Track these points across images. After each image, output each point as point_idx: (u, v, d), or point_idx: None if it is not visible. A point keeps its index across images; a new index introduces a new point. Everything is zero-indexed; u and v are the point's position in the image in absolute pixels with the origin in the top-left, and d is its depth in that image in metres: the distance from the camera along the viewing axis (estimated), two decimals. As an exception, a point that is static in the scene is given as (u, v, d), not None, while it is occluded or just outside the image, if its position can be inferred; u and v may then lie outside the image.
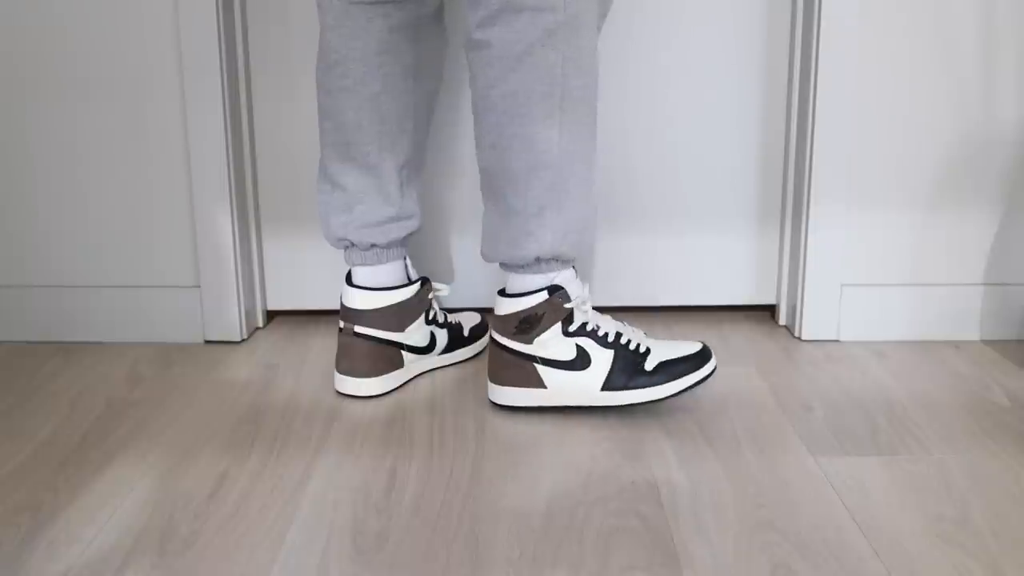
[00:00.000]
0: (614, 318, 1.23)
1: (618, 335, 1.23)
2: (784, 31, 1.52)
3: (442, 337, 1.39)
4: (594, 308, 1.65)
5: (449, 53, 1.50)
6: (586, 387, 1.22)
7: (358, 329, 1.30)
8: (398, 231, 1.32)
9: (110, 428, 1.24)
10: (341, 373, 1.32)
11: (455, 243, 1.60)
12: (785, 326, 1.60)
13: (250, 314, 1.58)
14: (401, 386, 1.36)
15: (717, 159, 1.56)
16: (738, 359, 1.45)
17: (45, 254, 1.54)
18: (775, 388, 1.34)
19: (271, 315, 1.67)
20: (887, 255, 1.52)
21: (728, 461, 1.13)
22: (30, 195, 1.52)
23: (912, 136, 1.48)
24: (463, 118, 1.54)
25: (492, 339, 1.26)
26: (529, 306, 1.21)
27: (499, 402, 1.27)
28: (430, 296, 1.37)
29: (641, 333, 1.25)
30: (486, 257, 1.24)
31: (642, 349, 1.22)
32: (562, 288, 1.21)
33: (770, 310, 1.67)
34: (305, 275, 1.61)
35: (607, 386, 1.22)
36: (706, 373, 1.23)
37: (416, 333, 1.35)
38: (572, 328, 1.22)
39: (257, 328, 1.61)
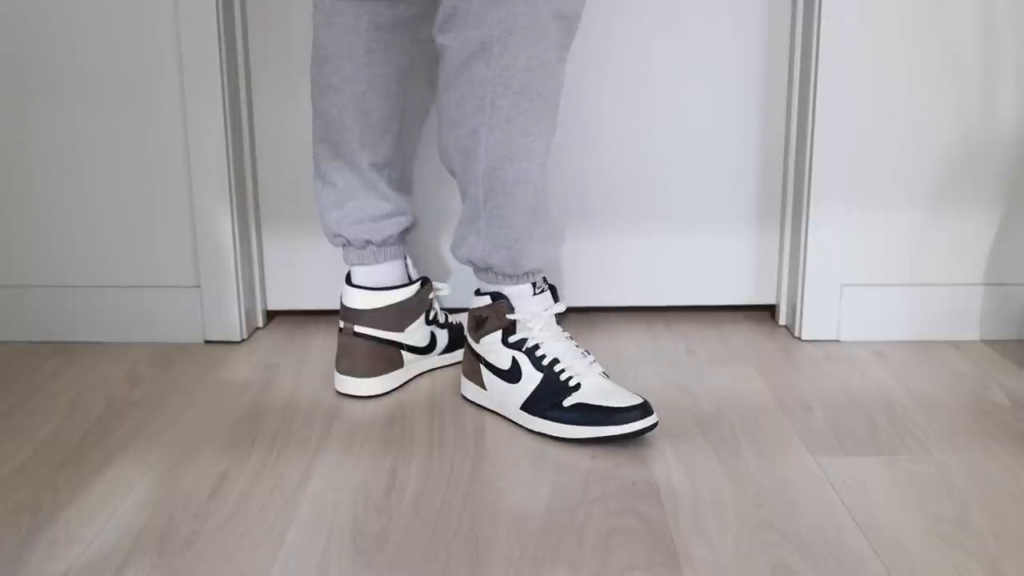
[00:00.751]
0: (582, 348, 1.21)
1: (554, 361, 1.21)
2: (784, 31, 1.52)
3: (442, 337, 1.39)
4: (593, 308, 1.65)
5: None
6: (510, 400, 1.23)
7: (358, 329, 1.30)
8: (392, 227, 1.32)
9: (110, 428, 1.24)
10: (341, 373, 1.32)
11: (455, 243, 1.60)
12: (785, 326, 1.60)
13: (250, 314, 1.58)
14: (401, 386, 1.36)
15: (717, 159, 1.56)
16: (738, 359, 1.45)
17: (45, 254, 1.54)
18: (775, 388, 1.34)
19: (271, 315, 1.67)
20: (887, 255, 1.52)
21: (728, 461, 1.13)
22: (30, 195, 1.52)
23: (912, 136, 1.48)
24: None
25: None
26: (477, 306, 1.25)
27: (461, 391, 1.32)
28: (431, 296, 1.37)
29: (595, 368, 1.22)
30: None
31: (572, 383, 1.19)
32: (505, 297, 1.22)
33: (770, 310, 1.67)
34: (305, 275, 1.61)
35: (525, 406, 1.21)
36: (619, 432, 1.15)
37: (416, 333, 1.35)
38: (511, 340, 1.23)
39: (257, 328, 1.61)
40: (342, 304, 1.32)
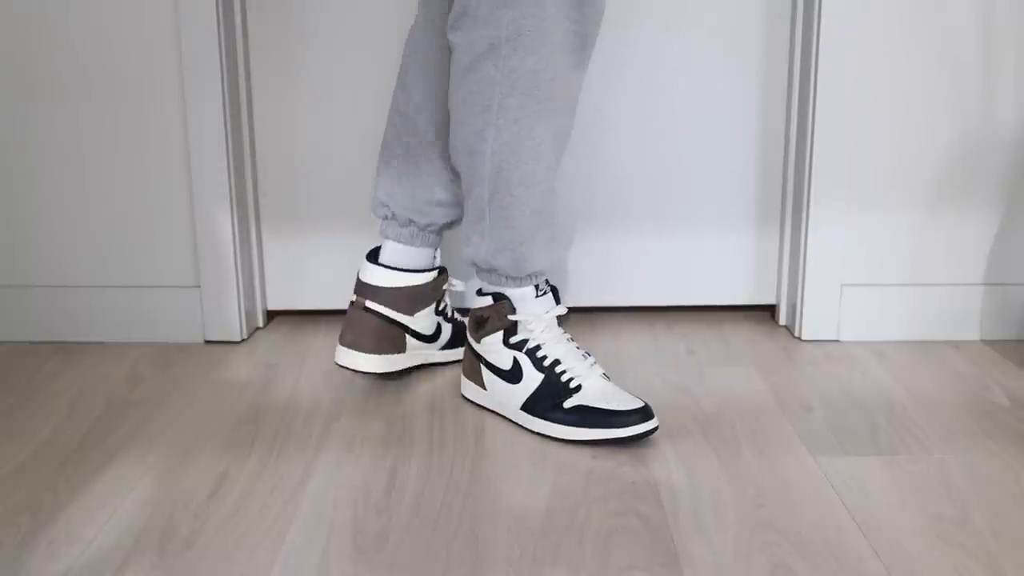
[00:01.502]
0: (583, 349, 1.21)
1: (555, 363, 1.21)
2: (784, 31, 1.52)
3: (447, 331, 1.39)
4: (595, 308, 1.65)
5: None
6: (510, 400, 1.23)
7: (369, 304, 1.30)
8: (440, 216, 1.32)
9: (110, 428, 1.24)
10: (343, 345, 1.31)
11: (455, 243, 1.60)
12: (785, 326, 1.60)
13: (250, 314, 1.58)
14: (397, 375, 1.35)
15: (717, 159, 1.56)
16: (738, 359, 1.45)
17: (46, 254, 1.54)
18: (775, 388, 1.34)
19: (271, 315, 1.67)
20: (887, 255, 1.52)
21: (728, 461, 1.13)
22: (30, 195, 1.52)
23: (912, 136, 1.48)
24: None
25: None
26: (479, 306, 1.25)
27: (461, 391, 1.32)
28: (444, 287, 1.37)
29: (596, 370, 1.22)
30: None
31: (573, 384, 1.19)
32: (507, 298, 1.22)
33: (770, 310, 1.67)
34: (305, 275, 1.61)
35: (526, 407, 1.22)
36: (619, 435, 1.15)
37: (424, 320, 1.35)
38: (513, 340, 1.23)
39: (257, 328, 1.61)
40: (358, 279, 1.32)
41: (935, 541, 0.96)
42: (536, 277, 1.23)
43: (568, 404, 1.18)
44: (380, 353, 1.31)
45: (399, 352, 1.33)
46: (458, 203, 1.33)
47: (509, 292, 1.23)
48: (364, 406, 1.30)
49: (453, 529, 1.00)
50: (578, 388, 1.19)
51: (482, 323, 1.25)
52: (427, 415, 1.27)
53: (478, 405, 1.29)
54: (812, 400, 1.30)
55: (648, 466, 1.12)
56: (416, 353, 1.36)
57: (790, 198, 1.55)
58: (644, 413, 1.15)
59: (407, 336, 1.33)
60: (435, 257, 1.37)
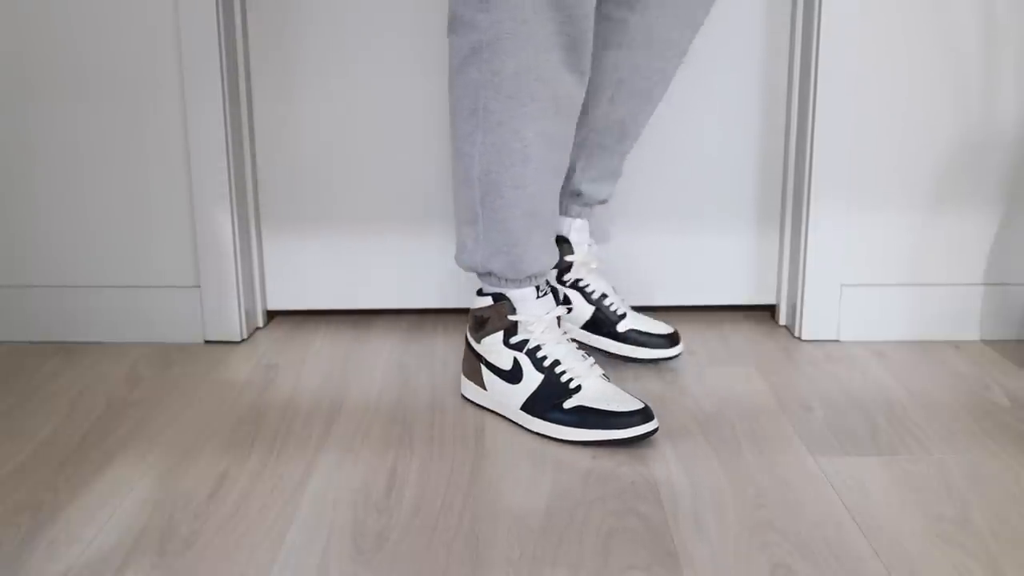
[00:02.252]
0: (585, 351, 1.22)
1: (555, 363, 1.21)
2: (784, 31, 1.52)
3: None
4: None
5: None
6: (510, 400, 1.23)
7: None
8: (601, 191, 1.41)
9: (110, 428, 1.24)
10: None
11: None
12: (785, 326, 1.60)
13: (250, 314, 1.58)
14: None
15: (717, 159, 1.56)
16: (738, 359, 1.45)
17: (45, 254, 1.54)
18: (775, 388, 1.34)
19: (271, 315, 1.67)
20: (887, 255, 1.52)
21: (728, 461, 1.13)
22: (30, 195, 1.52)
23: (912, 136, 1.48)
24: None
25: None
26: (479, 307, 1.25)
27: (461, 391, 1.32)
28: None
29: (595, 371, 1.22)
30: None
31: (573, 385, 1.20)
32: (507, 298, 1.22)
33: (770, 310, 1.67)
34: (305, 275, 1.61)
35: (526, 407, 1.22)
36: (618, 436, 1.15)
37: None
38: (513, 341, 1.23)
39: (257, 328, 1.61)
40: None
41: (935, 541, 0.96)
42: (536, 279, 1.23)
43: (568, 405, 1.18)
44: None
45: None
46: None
47: (509, 293, 1.23)
48: (364, 406, 1.30)
49: (453, 529, 1.00)
50: (578, 389, 1.19)
51: (482, 323, 1.25)
52: (427, 415, 1.27)
53: (478, 405, 1.29)
54: (812, 400, 1.30)
55: (648, 466, 1.12)
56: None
57: (790, 198, 1.55)
58: (644, 414, 1.15)
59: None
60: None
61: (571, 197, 1.40)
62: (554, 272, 1.42)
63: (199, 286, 1.54)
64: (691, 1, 1.27)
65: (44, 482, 1.10)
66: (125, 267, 1.54)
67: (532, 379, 1.21)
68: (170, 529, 1.00)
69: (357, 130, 1.55)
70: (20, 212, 1.53)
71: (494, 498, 1.06)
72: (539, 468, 1.12)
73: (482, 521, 1.01)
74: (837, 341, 1.53)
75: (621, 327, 1.40)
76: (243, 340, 1.55)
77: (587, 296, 1.41)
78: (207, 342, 1.55)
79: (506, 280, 1.23)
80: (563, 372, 1.20)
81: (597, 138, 1.36)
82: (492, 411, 1.27)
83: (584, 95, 1.17)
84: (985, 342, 1.52)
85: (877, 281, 1.53)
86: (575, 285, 1.42)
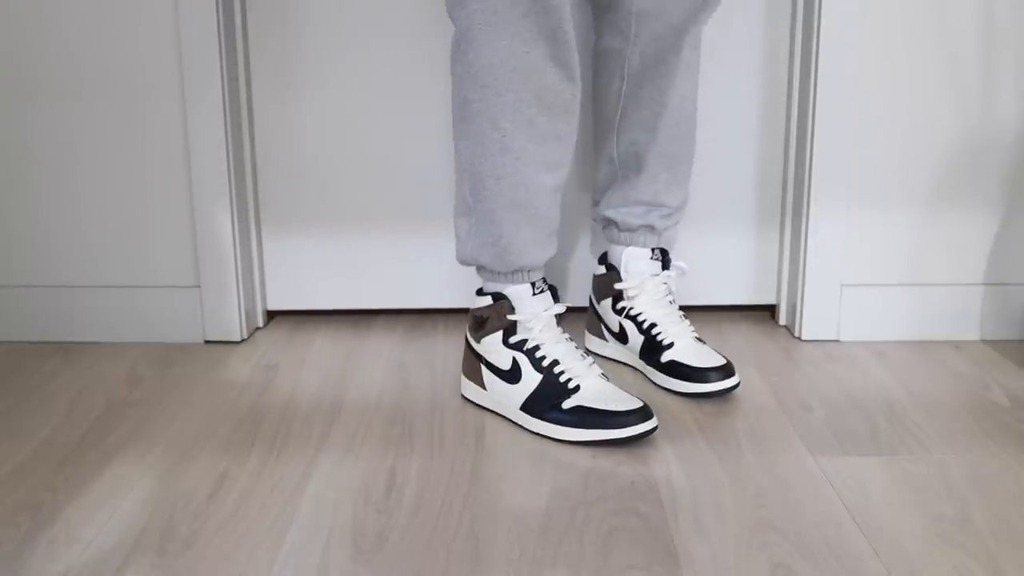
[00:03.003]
0: (591, 350, 1.21)
1: (554, 363, 1.21)
2: (784, 31, 1.52)
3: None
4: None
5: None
6: (510, 400, 1.23)
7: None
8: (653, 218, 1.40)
9: (110, 428, 1.24)
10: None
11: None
12: (785, 326, 1.60)
13: (250, 314, 1.58)
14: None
15: (717, 159, 1.56)
16: (738, 359, 1.45)
17: (44, 254, 1.54)
18: (775, 388, 1.34)
19: (271, 315, 1.67)
20: (887, 255, 1.52)
21: (728, 461, 1.13)
22: (30, 195, 1.52)
23: (912, 136, 1.48)
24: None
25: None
26: (478, 306, 1.26)
27: (461, 391, 1.32)
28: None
29: (594, 370, 1.22)
30: None
31: (571, 385, 1.19)
32: (506, 298, 1.22)
33: (770, 310, 1.67)
34: (305, 275, 1.61)
35: (525, 407, 1.22)
36: (618, 435, 1.15)
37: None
38: (512, 340, 1.23)
39: (257, 328, 1.61)
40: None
41: (935, 541, 0.96)
42: (530, 274, 1.23)
43: (567, 404, 1.18)
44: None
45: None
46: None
47: (507, 290, 1.23)
48: (364, 406, 1.30)
49: (453, 529, 1.00)
50: (576, 388, 1.19)
51: (482, 323, 1.25)
52: (427, 415, 1.27)
53: (478, 405, 1.29)
54: (812, 400, 1.30)
55: (648, 466, 1.12)
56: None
57: (790, 198, 1.55)
58: (643, 413, 1.15)
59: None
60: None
61: (606, 224, 1.41)
62: (609, 300, 1.41)
63: (199, 286, 1.54)
64: (678, 29, 1.29)
65: (43, 482, 1.10)
66: (125, 267, 1.54)
67: (531, 379, 1.21)
68: (170, 529, 1.00)
69: (357, 130, 1.55)
70: (20, 212, 1.53)
71: (494, 498, 1.06)
72: (539, 468, 1.12)
73: (482, 521, 1.01)
74: (837, 341, 1.53)
75: (664, 357, 1.34)
76: (243, 340, 1.55)
77: (638, 325, 1.38)
78: (207, 342, 1.55)
79: (497, 273, 1.23)
80: (562, 372, 1.20)
81: (618, 170, 1.38)
82: (492, 411, 1.27)
83: (578, 94, 1.17)
84: (985, 342, 1.52)
85: (877, 281, 1.53)
86: (628, 313, 1.39)
